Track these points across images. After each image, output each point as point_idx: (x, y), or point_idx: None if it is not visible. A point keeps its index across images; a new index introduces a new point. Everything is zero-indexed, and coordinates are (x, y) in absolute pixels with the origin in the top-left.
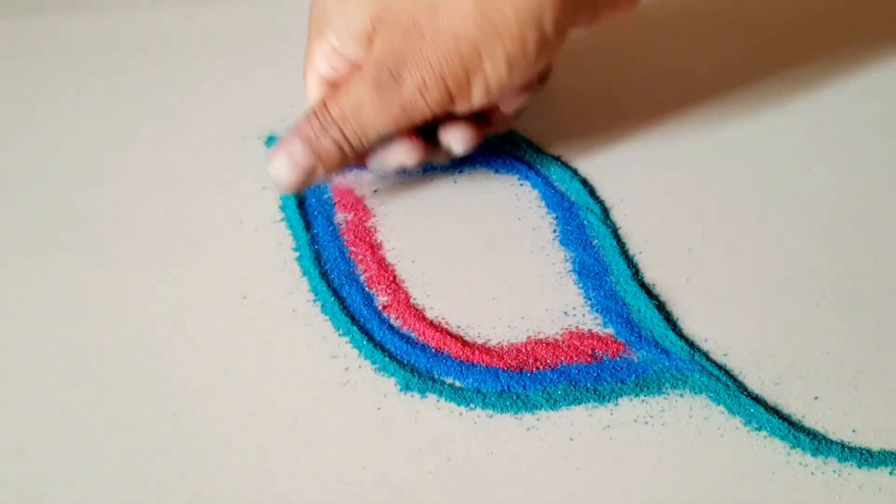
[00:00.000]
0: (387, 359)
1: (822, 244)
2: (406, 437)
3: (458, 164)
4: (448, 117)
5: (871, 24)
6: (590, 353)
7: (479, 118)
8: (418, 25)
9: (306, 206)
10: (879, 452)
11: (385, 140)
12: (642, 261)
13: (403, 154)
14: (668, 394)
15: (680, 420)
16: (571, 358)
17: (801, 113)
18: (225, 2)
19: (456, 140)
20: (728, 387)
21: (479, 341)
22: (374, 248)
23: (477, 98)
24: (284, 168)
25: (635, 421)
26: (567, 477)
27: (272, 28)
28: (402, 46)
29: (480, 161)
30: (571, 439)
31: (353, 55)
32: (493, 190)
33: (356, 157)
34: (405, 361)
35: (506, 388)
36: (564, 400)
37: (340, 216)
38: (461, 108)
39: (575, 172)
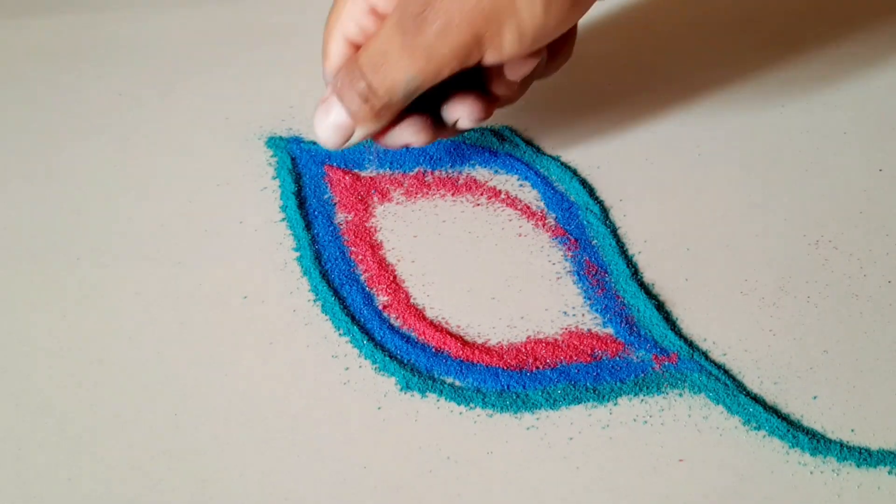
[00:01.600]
0: (387, 358)
1: (821, 244)
2: (406, 437)
3: (459, 164)
4: (457, 92)
5: (872, 24)
6: (589, 352)
7: (483, 93)
8: None
9: (307, 207)
10: (878, 452)
11: (401, 113)
12: (641, 260)
13: (412, 133)
14: (667, 393)
15: (679, 420)
16: (571, 357)
17: (801, 113)
18: (225, 2)
19: (464, 114)
20: (727, 386)
21: (479, 341)
22: (375, 248)
23: (508, 45)
24: (320, 126)
25: (634, 420)
26: (566, 476)
27: (272, 28)
28: None
29: (480, 161)
30: (571, 439)
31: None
32: (493, 190)
33: (387, 116)
34: (405, 361)
35: (505, 387)
36: (564, 399)
37: (341, 216)
38: (490, 58)
39: (575, 172)
